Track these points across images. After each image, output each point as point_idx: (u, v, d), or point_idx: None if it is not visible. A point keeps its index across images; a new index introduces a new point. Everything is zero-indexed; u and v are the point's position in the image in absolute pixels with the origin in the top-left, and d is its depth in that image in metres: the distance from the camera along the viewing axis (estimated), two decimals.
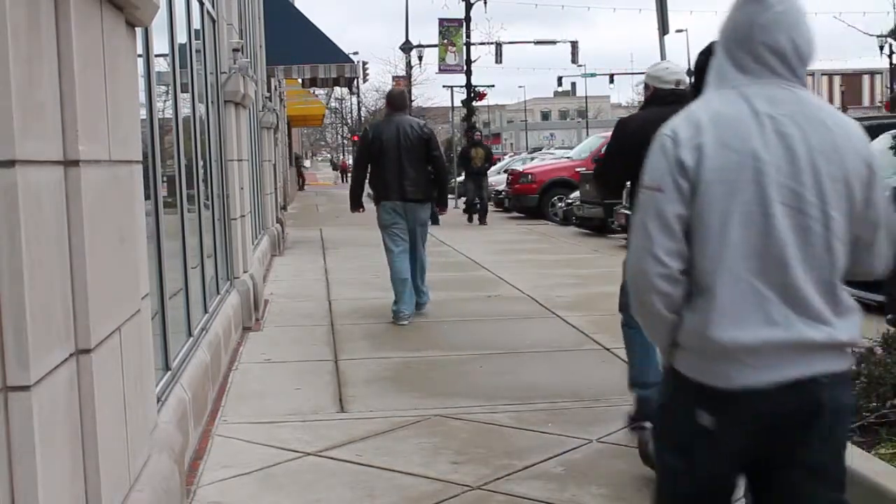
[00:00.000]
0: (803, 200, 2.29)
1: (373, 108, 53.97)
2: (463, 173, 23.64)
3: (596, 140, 22.32)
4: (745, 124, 2.31)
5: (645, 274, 2.34)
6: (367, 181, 8.77)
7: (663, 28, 11.08)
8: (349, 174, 8.97)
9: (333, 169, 61.63)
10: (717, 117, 2.33)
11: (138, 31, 3.56)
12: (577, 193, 18.69)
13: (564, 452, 4.82)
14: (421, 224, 8.61)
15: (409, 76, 47.55)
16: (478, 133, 23.64)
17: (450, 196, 10.00)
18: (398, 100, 8.85)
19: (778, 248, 2.28)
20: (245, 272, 8.50)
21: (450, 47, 35.50)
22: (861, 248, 2.41)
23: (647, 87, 5.11)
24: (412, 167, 8.31)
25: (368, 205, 9.19)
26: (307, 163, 61.82)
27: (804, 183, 2.29)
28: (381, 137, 8.40)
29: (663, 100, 4.75)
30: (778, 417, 2.31)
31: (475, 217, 21.16)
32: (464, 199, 25.98)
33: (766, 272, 2.28)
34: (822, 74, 69.00)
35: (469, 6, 32.46)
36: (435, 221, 19.07)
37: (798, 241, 2.29)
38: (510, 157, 41.66)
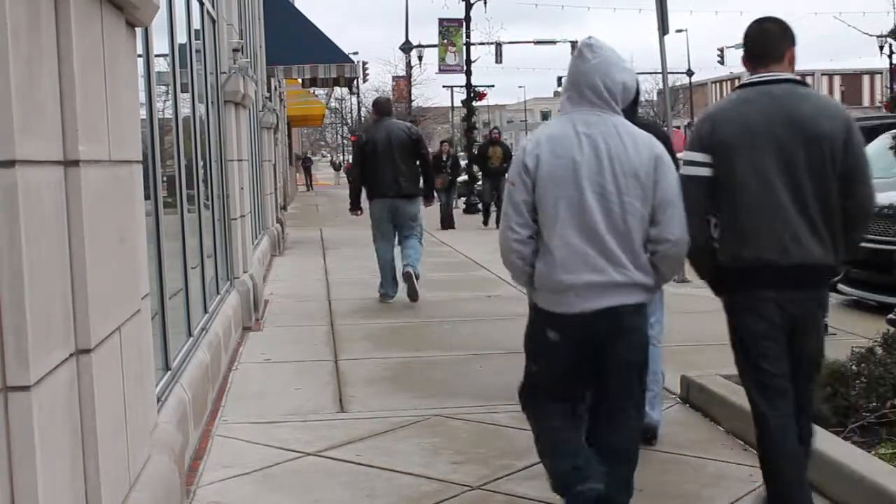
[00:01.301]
0: (606, 190, 3.41)
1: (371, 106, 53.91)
2: (479, 173, 21.93)
3: None
4: (569, 140, 3.45)
5: (506, 239, 3.56)
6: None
7: (663, 28, 11.08)
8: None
9: (335, 169, 61.48)
10: (551, 136, 3.51)
11: (138, 31, 3.56)
12: None
13: None
14: (411, 217, 9.43)
15: (409, 76, 47.52)
16: (496, 131, 21.57)
17: (458, 196, 10.50)
18: (384, 106, 10.04)
19: (591, 221, 3.41)
20: (245, 272, 8.50)
21: (450, 47, 35.51)
22: (658, 218, 3.44)
23: None
24: (404, 165, 9.24)
25: (365, 204, 9.76)
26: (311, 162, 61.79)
27: (606, 178, 3.41)
28: (374, 140, 9.32)
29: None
30: (596, 331, 3.45)
31: (490, 220, 19.58)
32: (464, 199, 25.84)
33: (585, 237, 3.41)
34: (823, 74, 69.00)
35: (469, 6, 32.44)
36: (450, 226, 19.08)
37: (604, 217, 3.41)
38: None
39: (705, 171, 3.50)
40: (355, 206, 9.92)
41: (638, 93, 4.35)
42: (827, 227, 3.44)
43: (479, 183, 22.42)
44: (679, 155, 3.86)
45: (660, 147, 3.51)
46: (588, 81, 3.47)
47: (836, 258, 3.49)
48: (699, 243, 3.55)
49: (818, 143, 3.39)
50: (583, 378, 3.57)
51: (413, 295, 9.29)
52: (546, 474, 3.75)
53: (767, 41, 3.54)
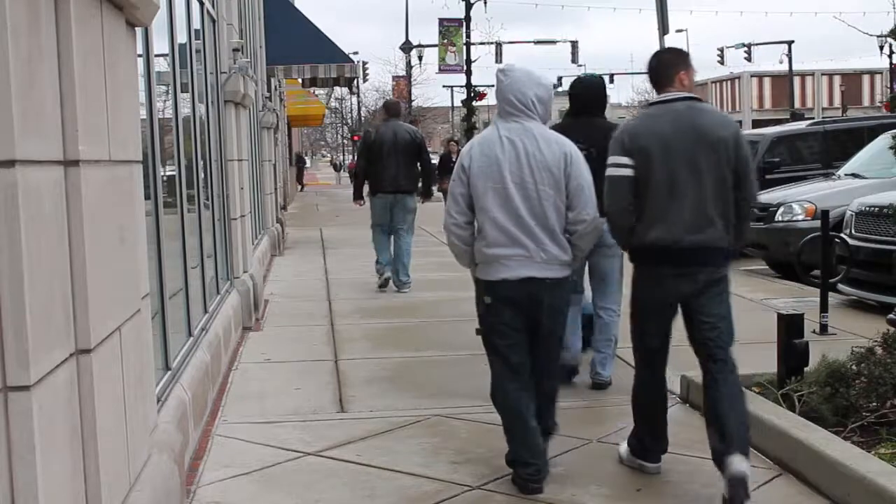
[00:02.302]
0: (525, 181, 4.26)
1: (373, 108, 53.91)
2: None
3: None
4: (494, 142, 4.33)
5: (447, 225, 4.42)
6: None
7: (663, 28, 11.09)
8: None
9: (336, 170, 61.41)
10: (481, 140, 4.42)
11: (138, 31, 3.56)
12: None
13: (564, 452, 4.82)
14: (408, 210, 10.29)
15: (409, 76, 47.56)
16: None
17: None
18: (395, 108, 10.99)
19: (514, 207, 4.26)
20: (245, 272, 8.50)
21: (450, 47, 35.53)
22: (574, 203, 4.28)
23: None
24: (405, 165, 10.10)
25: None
26: (308, 162, 61.68)
27: (524, 171, 4.26)
28: (382, 139, 10.13)
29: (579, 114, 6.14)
30: (520, 296, 4.29)
31: None
32: None
33: (510, 219, 4.26)
34: (823, 74, 68.93)
35: (469, 6, 32.48)
36: None
37: (525, 203, 4.26)
38: None
39: (628, 172, 4.22)
40: (358, 197, 11.09)
41: (605, 98, 6.04)
42: (723, 216, 4.19)
43: None
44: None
45: (570, 145, 4.37)
46: (504, 98, 4.38)
47: (729, 241, 4.24)
48: (623, 228, 4.32)
49: (716, 147, 4.16)
50: (516, 334, 4.35)
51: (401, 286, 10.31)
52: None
53: (662, 69, 4.36)
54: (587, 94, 6.00)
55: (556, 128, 5.02)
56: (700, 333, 4.28)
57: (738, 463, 3.90)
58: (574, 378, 5.97)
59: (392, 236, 10.43)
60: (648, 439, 4.48)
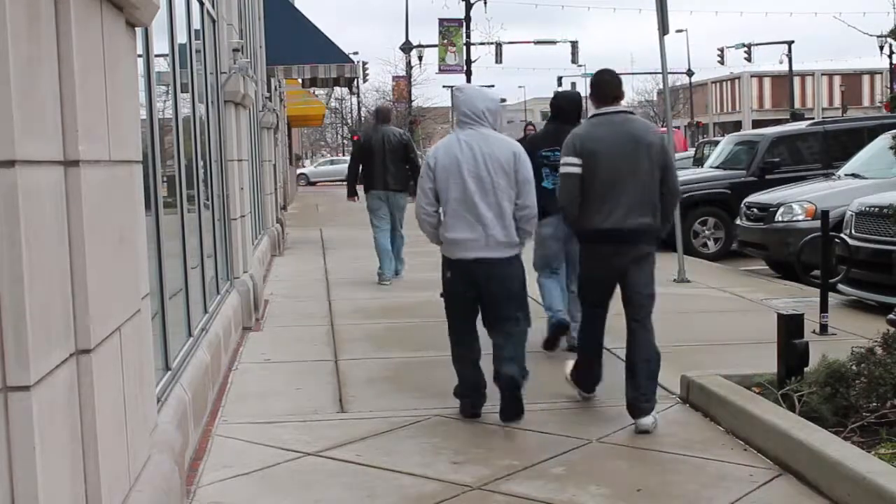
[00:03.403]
0: (481, 175, 5.23)
1: (373, 108, 54.00)
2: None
3: None
4: (454, 145, 5.32)
5: (419, 214, 5.45)
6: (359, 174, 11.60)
7: (663, 28, 11.07)
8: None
9: None
10: (444, 144, 5.44)
11: (138, 31, 3.56)
12: None
13: (564, 452, 4.82)
14: (399, 209, 11.30)
15: (409, 76, 47.55)
16: (531, 127, 17.30)
17: None
18: (384, 114, 12.26)
19: (471, 198, 5.23)
20: (245, 272, 8.50)
21: (450, 47, 35.55)
22: (520, 192, 5.26)
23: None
24: (393, 165, 11.08)
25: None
26: (307, 162, 61.62)
27: (481, 167, 5.23)
28: (371, 142, 11.20)
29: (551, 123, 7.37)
30: (474, 272, 5.27)
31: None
32: None
33: (468, 210, 5.23)
34: (823, 74, 68.95)
35: (469, 6, 32.51)
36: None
37: (481, 195, 5.23)
38: None
39: (577, 170, 5.25)
40: (351, 194, 12.01)
41: (581, 109, 7.21)
42: (653, 205, 5.25)
43: None
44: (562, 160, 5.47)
45: (517, 147, 5.39)
46: (461, 111, 5.44)
47: (656, 225, 5.29)
48: (573, 215, 5.38)
49: (648, 151, 5.22)
50: (469, 299, 5.39)
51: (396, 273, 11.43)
52: (546, 474, 3.75)
53: (606, 88, 5.45)
54: (567, 106, 7.13)
55: (538, 132, 6.30)
56: (629, 297, 5.32)
57: (644, 418, 5.13)
58: (573, 333, 6.72)
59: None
60: (585, 372, 5.66)
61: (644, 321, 5.27)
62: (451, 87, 35.12)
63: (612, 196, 5.15)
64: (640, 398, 5.13)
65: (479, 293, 5.32)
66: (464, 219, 5.24)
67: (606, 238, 5.21)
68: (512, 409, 5.31)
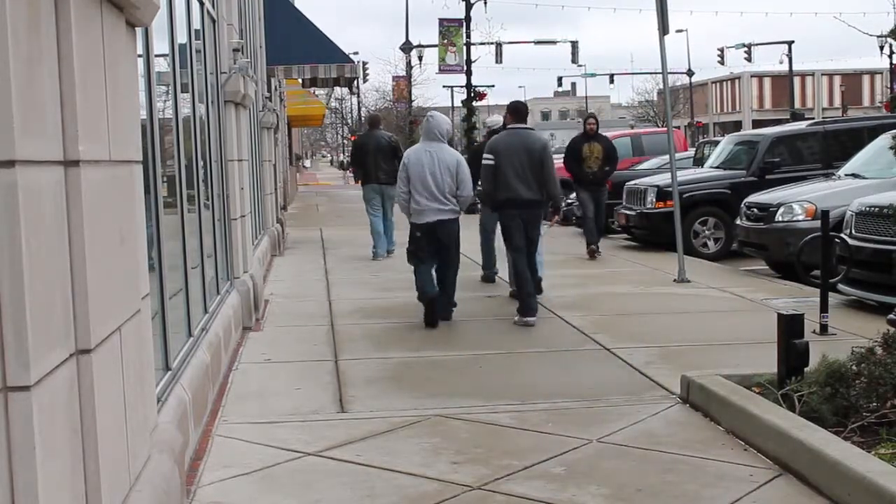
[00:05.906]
0: (435, 173, 8.52)
1: (373, 108, 54.05)
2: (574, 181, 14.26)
3: None
4: (421, 152, 8.68)
5: (397, 195, 8.99)
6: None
7: (663, 28, 11.08)
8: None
9: (342, 168, 61.34)
10: (417, 149, 8.87)
11: (138, 31, 3.56)
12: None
13: (564, 452, 4.82)
14: (389, 198, 13.60)
15: (409, 76, 47.57)
16: (591, 121, 14.02)
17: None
18: (375, 121, 15.66)
19: (429, 184, 8.50)
20: (245, 272, 8.50)
21: (450, 47, 35.53)
22: (459, 183, 8.56)
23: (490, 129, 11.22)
24: (384, 163, 13.82)
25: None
26: (307, 162, 61.63)
27: (436, 168, 8.53)
28: (365, 144, 14.28)
29: (494, 133, 9.92)
30: (433, 230, 8.52)
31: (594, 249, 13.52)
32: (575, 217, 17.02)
33: (426, 190, 8.51)
34: (823, 75, 68.98)
35: (469, 6, 32.46)
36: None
37: (434, 183, 8.50)
38: None
39: (492, 163, 8.53)
40: (357, 178, 15.04)
41: (526, 113, 9.30)
42: (539, 186, 8.53)
43: (573, 194, 15.12)
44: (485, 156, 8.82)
45: (459, 156, 8.79)
46: (430, 130, 8.72)
47: (541, 197, 8.63)
48: (490, 193, 8.68)
49: (533, 154, 8.50)
50: (430, 250, 8.53)
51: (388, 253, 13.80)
52: (546, 474, 3.74)
53: (519, 112, 9.01)
54: (517, 113, 9.16)
55: (493, 133, 10.13)
56: (529, 239, 8.62)
57: (525, 319, 8.29)
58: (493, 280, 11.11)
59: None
60: (526, 299, 8.39)
61: (533, 251, 8.72)
62: (451, 86, 35.00)
63: (514, 180, 8.46)
64: (530, 301, 8.45)
65: (435, 242, 8.48)
66: (424, 195, 8.44)
67: (513, 206, 8.51)
68: (433, 318, 8.28)
